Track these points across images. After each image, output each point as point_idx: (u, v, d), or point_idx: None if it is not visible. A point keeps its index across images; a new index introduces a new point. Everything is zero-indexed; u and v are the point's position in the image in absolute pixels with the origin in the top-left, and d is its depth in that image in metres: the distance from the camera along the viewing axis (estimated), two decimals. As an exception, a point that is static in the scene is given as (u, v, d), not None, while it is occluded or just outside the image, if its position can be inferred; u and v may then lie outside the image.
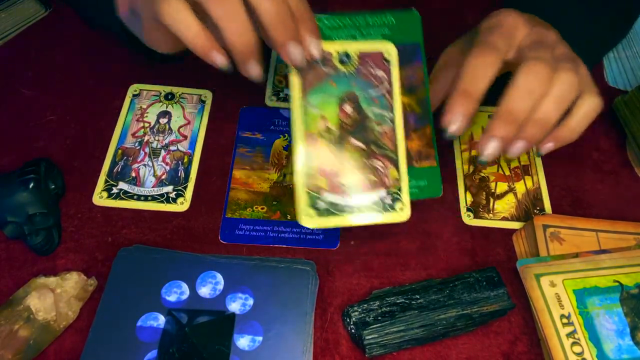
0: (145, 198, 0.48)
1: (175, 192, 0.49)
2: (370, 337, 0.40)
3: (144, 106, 0.54)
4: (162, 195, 0.48)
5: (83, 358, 0.40)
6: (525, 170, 0.53)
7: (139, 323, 0.41)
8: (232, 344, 0.41)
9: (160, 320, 0.41)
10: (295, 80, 0.38)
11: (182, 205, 0.48)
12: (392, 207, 0.38)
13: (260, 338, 0.41)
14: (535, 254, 0.46)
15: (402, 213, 0.38)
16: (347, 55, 0.39)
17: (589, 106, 0.40)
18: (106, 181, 0.49)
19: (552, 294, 0.42)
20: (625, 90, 0.59)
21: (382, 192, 0.38)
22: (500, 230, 0.49)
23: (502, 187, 0.51)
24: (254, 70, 0.35)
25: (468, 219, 0.49)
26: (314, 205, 0.37)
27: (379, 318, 0.41)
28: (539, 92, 0.37)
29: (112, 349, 0.40)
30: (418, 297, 0.42)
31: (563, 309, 0.42)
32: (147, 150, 0.51)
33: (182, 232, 0.47)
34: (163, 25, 0.34)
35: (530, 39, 0.40)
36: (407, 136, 0.38)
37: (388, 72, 0.39)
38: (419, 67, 0.41)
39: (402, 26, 0.41)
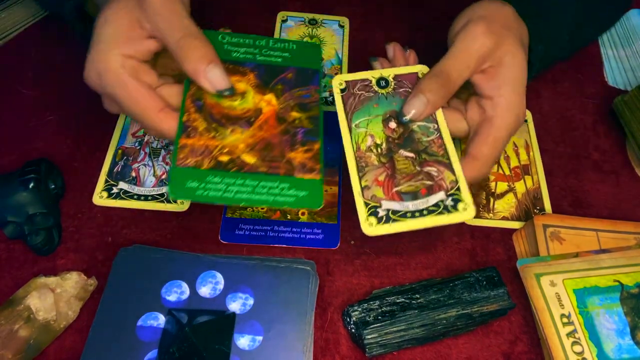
0: (146, 198, 0.48)
1: (175, 192, 0.49)
2: (370, 336, 0.40)
3: (144, 106, 0.54)
4: (162, 195, 0.48)
5: (83, 358, 0.40)
6: (525, 170, 0.53)
7: (139, 323, 0.41)
8: (232, 343, 0.41)
9: (161, 320, 0.41)
10: (339, 105, 0.42)
11: (182, 205, 0.48)
12: (455, 208, 0.38)
13: (261, 338, 0.41)
14: (535, 254, 0.46)
15: (465, 213, 0.38)
16: (384, 79, 0.43)
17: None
18: (106, 181, 0.49)
19: (552, 294, 0.42)
20: (625, 90, 0.59)
21: (441, 195, 0.39)
22: (500, 230, 0.49)
23: (502, 186, 0.51)
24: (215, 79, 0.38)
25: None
26: (374, 214, 0.38)
27: (379, 318, 0.41)
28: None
29: (112, 348, 0.40)
30: (418, 296, 0.42)
31: (563, 308, 0.42)
32: (147, 150, 0.51)
33: (182, 232, 0.47)
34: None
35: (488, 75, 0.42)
36: (294, 149, 0.39)
37: None
38: (314, 89, 0.42)
39: (303, 53, 0.44)
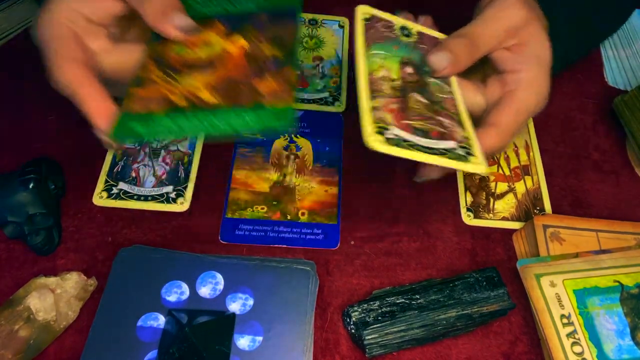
0: (145, 198, 0.48)
1: (175, 192, 0.49)
2: (370, 337, 0.40)
3: (144, 106, 0.54)
4: (162, 195, 0.48)
5: (83, 358, 0.40)
6: (525, 170, 0.53)
7: (139, 323, 0.41)
8: (232, 344, 0.41)
9: (161, 320, 0.41)
10: (359, 31, 0.38)
11: (182, 205, 0.48)
12: (466, 159, 0.34)
13: (261, 338, 0.41)
14: (535, 254, 0.46)
15: (478, 165, 0.34)
16: (408, 30, 0.40)
17: None
18: (106, 181, 0.49)
19: (552, 294, 0.42)
20: (625, 90, 0.59)
21: (453, 144, 0.35)
22: (500, 230, 0.49)
23: (502, 187, 0.51)
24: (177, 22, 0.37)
25: (468, 219, 0.49)
26: (381, 133, 0.33)
27: (379, 318, 0.41)
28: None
29: (112, 349, 0.40)
30: (418, 297, 0.42)
31: (563, 309, 0.42)
32: (147, 150, 0.51)
33: (182, 232, 0.47)
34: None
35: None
36: (263, 78, 0.34)
37: None
38: (292, 26, 0.38)
39: None
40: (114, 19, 0.38)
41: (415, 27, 0.41)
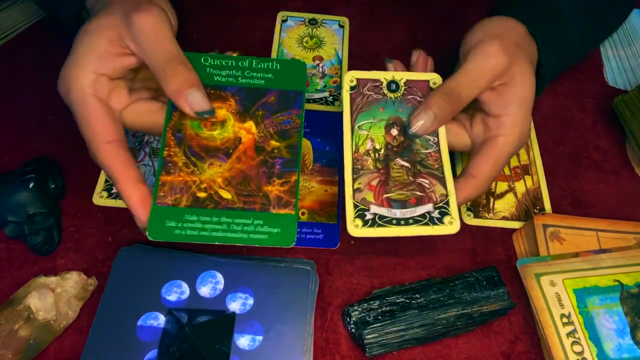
0: (146, 198, 0.48)
1: (175, 192, 0.49)
2: (370, 336, 0.40)
3: (144, 106, 0.54)
4: (162, 195, 0.48)
5: (83, 358, 0.40)
6: (525, 170, 0.53)
7: (139, 323, 0.41)
8: (232, 343, 0.41)
9: (161, 319, 0.41)
10: (346, 103, 0.42)
11: (182, 205, 0.48)
12: (440, 221, 0.39)
13: (261, 338, 0.41)
14: (535, 254, 0.46)
15: (450, 226, 0.39)
16: (395, 82, 0.43)
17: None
18: (106, 181, 0.49)
19: (552, 294, 0.42)
20: (625, 89, 0.60)
21: (429, 207, 0.40)
22: (500, 229, 0.49)
23: (502, 186, 0.51)
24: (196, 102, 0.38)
25: (468, 219, 0.49)
26: (361, 217, 0.39)
27: (379, 317, 0.41)
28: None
29: (112, 348, 0.40)
30: (418, 296, 0.42)
31: (563, 308, 0.42)
32: (147, 150, 0.51)
33: (182, 232, 0.47)
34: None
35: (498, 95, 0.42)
36: (270, 181, 0.39)
37: None
38: (296, 114, 0.41)
39: (287, 73, 0.42)
40: (130, 71, 0.40)
41: (404, 76, 0.43)
